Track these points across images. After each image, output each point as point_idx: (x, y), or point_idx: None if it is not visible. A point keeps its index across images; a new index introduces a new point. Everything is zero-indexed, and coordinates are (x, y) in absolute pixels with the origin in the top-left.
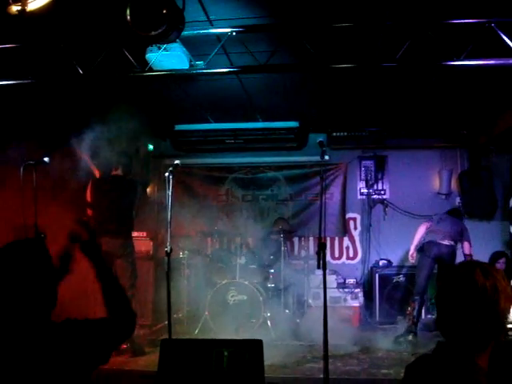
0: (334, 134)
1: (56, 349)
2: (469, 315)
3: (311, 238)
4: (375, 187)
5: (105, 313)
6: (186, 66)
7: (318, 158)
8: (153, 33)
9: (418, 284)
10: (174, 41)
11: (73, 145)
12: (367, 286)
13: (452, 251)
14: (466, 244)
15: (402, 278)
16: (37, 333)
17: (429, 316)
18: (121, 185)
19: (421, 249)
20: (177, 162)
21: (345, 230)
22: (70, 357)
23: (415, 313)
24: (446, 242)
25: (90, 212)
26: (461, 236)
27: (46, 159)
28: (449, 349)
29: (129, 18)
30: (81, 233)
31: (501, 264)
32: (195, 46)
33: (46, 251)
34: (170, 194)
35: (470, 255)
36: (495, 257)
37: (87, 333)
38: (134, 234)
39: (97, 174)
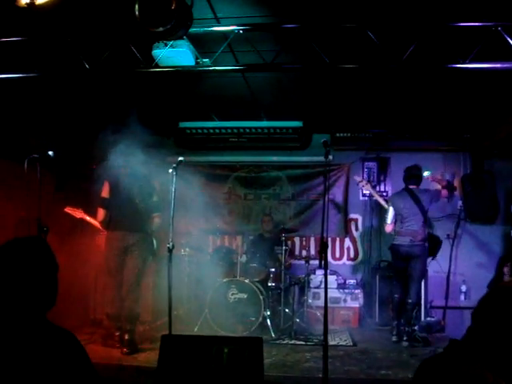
0: (338, 134)
1: (49, 351)
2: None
3: (312, 238)
4: (377, 189)
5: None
6: (192, 63)
7: (320, 159)
8: (161, 29)
9: (395, 284)
10: (181, 37)
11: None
12: (367, 287)
13: (421, 248)
14: (443, 192)
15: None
16: (32, 331)
17: (428, 318)
18: (133, 183)
19: (390, 248)
20: (180, 158)
21: (346, 231)
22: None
23: (394, 313)
24: (415, 243)
25: (101, 208)
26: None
27: (50, 153)
28: (461, 347)
29: (137, 13)
30: None
31: (508, 267)
32: (202, 44)
33: (48, 249)
34: (173, 190)
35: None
36: (502, 261)
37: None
38: None
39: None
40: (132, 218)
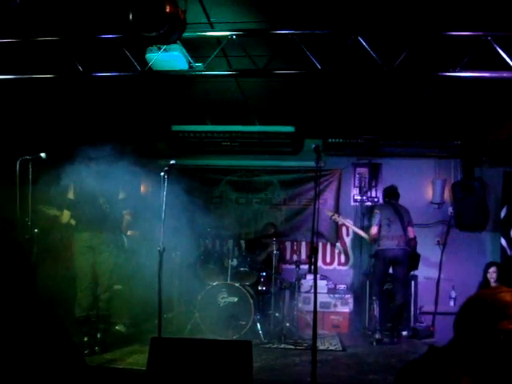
0: (330, 140)
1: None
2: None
3: (303, 243)
4: (369, 194)
5: None
6: (185, 68)
7: (312, 164)
8: (154, 33)
9: (374, 287)
10: (174, 42)
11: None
12: (358, 293)
13: (406, 252)
14: (409, 229)
15: (392, 285)
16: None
17: (417, 324)
18: (97, 183)
19: (375, 255)
20: (173, 161)
21: (337, 236)
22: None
23: (376, 313)
24: (401, 247)
25: (66, 210)
26: (408, 223)
27: (42, 154)
28: (441, 354)
29: (131, 17)
30: None
31: (491, 273)
32: (195, 48)
33: (23, 255)
34: (165, 193)
35: (414, 238)
36: (486, 267)
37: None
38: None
39: None
40: (97, 219)
